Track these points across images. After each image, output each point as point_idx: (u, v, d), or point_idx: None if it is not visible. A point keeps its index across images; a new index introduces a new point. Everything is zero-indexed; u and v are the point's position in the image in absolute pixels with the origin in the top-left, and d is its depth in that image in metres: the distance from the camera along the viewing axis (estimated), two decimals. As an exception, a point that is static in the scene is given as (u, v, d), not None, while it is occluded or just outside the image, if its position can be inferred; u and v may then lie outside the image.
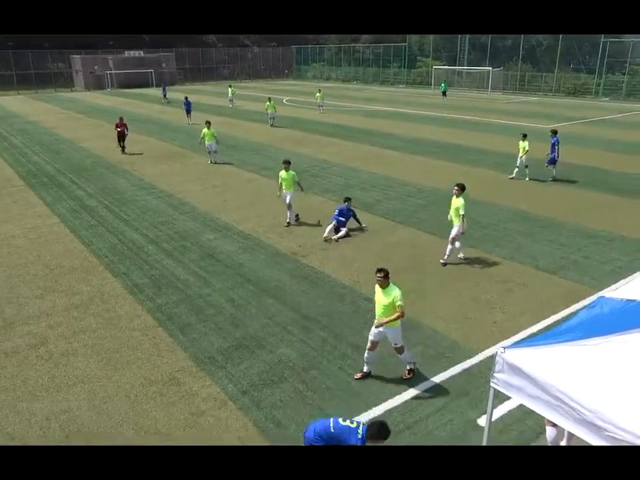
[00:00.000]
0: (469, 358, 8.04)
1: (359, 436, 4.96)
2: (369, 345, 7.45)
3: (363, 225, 13.70)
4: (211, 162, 21.72)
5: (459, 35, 65.49)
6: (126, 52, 68.13)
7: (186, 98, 33.77)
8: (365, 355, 7.52)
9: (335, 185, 18.13)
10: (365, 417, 6.73)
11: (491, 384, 4.20)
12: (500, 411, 6.67)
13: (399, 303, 7.01)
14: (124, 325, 9.13)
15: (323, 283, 10.69)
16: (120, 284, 10.71)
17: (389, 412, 6.87)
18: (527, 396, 3.86)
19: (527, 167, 18.30)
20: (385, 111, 39.48)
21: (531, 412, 4.24)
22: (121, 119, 24.80)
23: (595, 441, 3.41)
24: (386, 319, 7.06)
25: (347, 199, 13.67)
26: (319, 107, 38.25)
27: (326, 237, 12.97)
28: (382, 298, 7.21)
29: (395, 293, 7.08)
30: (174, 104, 44.08)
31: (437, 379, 7.55)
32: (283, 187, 13.95)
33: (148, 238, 13.28)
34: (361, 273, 11.10)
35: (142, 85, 66.14)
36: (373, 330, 7.35)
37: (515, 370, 3.93)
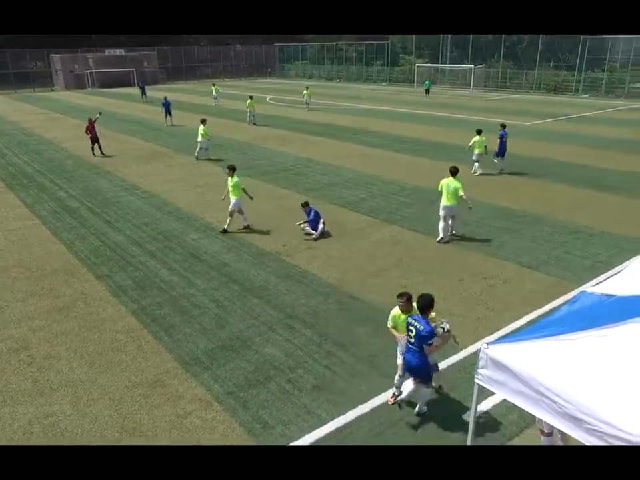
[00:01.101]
0: (454, 354, 8.09)
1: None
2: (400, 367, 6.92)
3: (319, 233, 13.01)
4: (197, 158, 21.80)
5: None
6: (106, 50, 67.40)
7: (165, 98, 32.74)
8: (396, 379, 6.99)
9: (318, 184, 18.13)
10: (352, 415, 6.76)
11: (475, 380, 4.24)
12: (484, 406, 6.74)
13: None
14: (107, 328, 9.04)
15: (308, 281, 10.69)
16: (103, 286, 10.59)
17: (376, 409, 6.90)
18: (510, 391, 3.91)
19: (477, 162, 18.83)
20: (369, 109, 39.58)
21: (515, 407, 4.29)
22: (90, 120, 23.13)
23: (575, 433, 3.47)
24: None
25: (305, 204, 13.39)
26: (305, 104, 38.23)
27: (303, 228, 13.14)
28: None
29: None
30: (155, 103, 43.72)
31: (423, 375, 7.58)
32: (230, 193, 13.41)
33: (131, 239, 13.16)
34: (346, 271, 11.12)
35: (123, 84, 65.41)
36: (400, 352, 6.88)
37: (498, 365, 3.97)
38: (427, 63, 64.50)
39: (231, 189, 13.40)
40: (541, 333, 4.28)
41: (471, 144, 18.84)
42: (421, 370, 6.40)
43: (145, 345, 8.48)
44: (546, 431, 5.40)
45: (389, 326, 7.08)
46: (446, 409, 6.91)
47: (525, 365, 3.86)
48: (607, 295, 4.64)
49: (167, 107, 31.62)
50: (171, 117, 31.91)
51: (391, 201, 16.09)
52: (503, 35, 58.17)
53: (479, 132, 18.65)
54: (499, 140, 19.03)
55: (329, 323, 9.07)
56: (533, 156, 22.02)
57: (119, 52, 68.15)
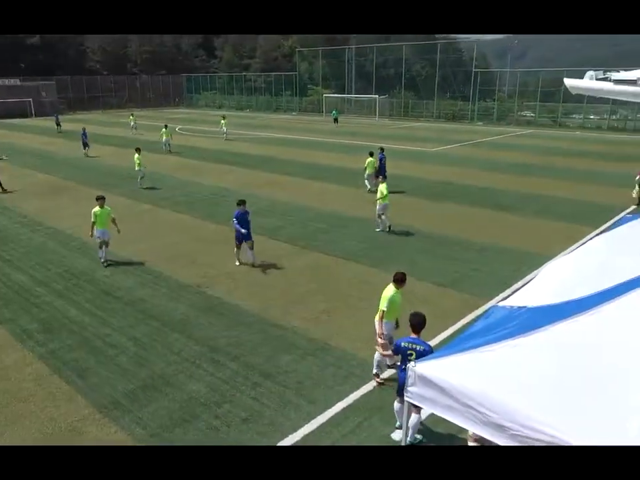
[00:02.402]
0: (384, 374, 8.26)
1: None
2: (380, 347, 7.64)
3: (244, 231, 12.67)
4: (142, 186, 22.02)
5: (346, 64, 68.68)
6: (0, 80, 63.32)
7: (83, 129, 32.07)
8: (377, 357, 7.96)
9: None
10: (283, 444, 6.67)
11: (405, 398, 4.36)
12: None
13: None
14: (12, 376, 8.32)
15: (229, 312, 10.51)
16: (5, 331, 9.77)
17: (306, 437, 6.86)
18: (439, 405, 4.06)
19: (367, 179, 20.88)
20: (281, 138, 40.12)
21: (440, 420, 4.46)
22: None
23: (502, 441, 3.66)
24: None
25: (241, 202, 12.77)
26: (224, 134, 38.48)
27: (239, 261, 12.95)
28: (398, 298, 7.94)
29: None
30: (65, 135, 41.76)
31: (351, 398, 7.68)
32: (96, 225, 12.83)
33: (35, 279, 12.28)
34: (269, 299, 11.07)
35: (19, 115, 61.63)
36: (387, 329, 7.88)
37: (426, 382, 4.12)
38: (334, 93, 66.67)
39: (99, 220, 12.78)
40: (461, 348, 4.49)
41: (365, 165, 20.76)
42: None
43: (57, 391, 7.89)
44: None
45: (383, 309, 7.82)
46: (375, 430, 7.01)
47: (450, 379, 4.04)
48: (517, 307, 4.99)
49: (85, 138, 31.17)
50: (88, 147, 31.30)
51: (308, 227, 16.31)
52: (403, 66, 61.82)
53: (370, 154, 20.78)
54: (379, 162, 20.88)
55: (253, 353, 8.94)
56: (438, 180, 23.33)
57: (14, 81, 64.30)
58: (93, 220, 12.79)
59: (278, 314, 10.41)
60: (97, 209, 12.85)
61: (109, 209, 13.08)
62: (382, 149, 21.45)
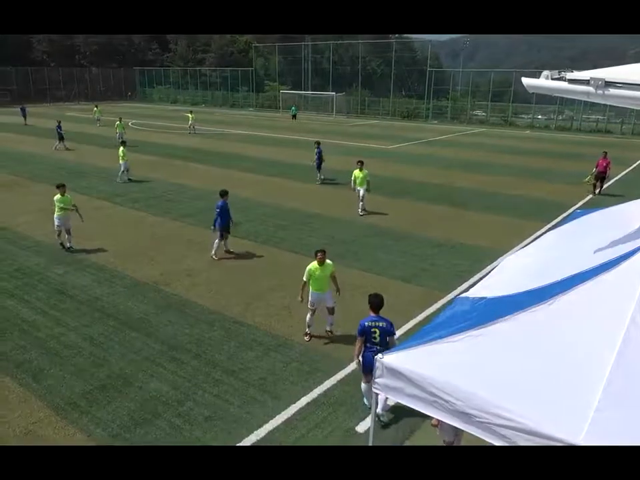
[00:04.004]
0: (342, 369, 8.34)
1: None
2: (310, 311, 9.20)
3: (234, 221, 13.61)
4: (122, 180, 21.97)
5: (303, 61, 68.65)
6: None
7: (58, 122, 30.96)
8: (308, 319, 9.22)
9: (194, 209, 17.74)
10: (248, 442, 6.65)
11: (373, 389, 4.43)
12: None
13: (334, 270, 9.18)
14: (-40, 380, 7.94)
15: (189, 310, 10.36)
16: (-49, 333, 9.30)
17: (271, 433, 6.86)
18: (406, 396, 4.15)
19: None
20: (238, 134, 39.73)
21: (405, 410, 4.57)
22: None
23: (468, 427, 3.79)
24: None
25: (224, 192, 13.41)
26: (192, 128, 38.54)
27: (215, 254, 13.05)
28: (321, 273, 9.00)
29: (331, 263, 9.19)
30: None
31: (315, 393, 7.72)
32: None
33: (-18, 278, 11.75)
34: (229, 296, 10.98)
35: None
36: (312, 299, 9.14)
37: (394, 373, 4.21)
38: (290, 89, 66.53)
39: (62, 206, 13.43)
40: (426, 339, 4.60)
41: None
42: None
43: (10, 394, 7.58)
44: (446, 440, 5.72)
45: (304, 279, 9.02)
46: (340, 423, 7.08)
47: (417, 369, 4.13)
48: (478, 298, 5.15)
49: (60, 132, 30.36)
50: (63, 141, 30.55)
51: (267, 223, 16.25)
52: (360, 65, 62.34)
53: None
54: (316, 155, 22.01)
55: (215, 351, 8.86)
56: (394, 177, 23.67)
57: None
58: (59, 206, 13.36)
59: (239, 310, 10.34)
60: (57, 196, 13.36)
61: (69, 196, 13.61)
62: (318, 143, 22.44)
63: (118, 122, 31.74)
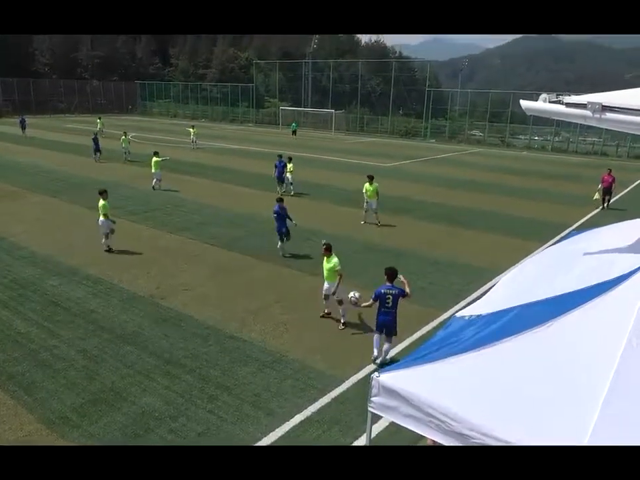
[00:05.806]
0: (337, 387, 8.28)
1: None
2: (324, 296, 10.57)
3: (294, 223, 14.54)
4: (155, 188, 22.95)
5: (303, 78, 69.33)
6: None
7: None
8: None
9: (190, 222, 17.74)
10: (241, 459, 6.56)
11: (369, 408, 4.39)
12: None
13: (337, 268, 10.11)
14: (-49, 391, 7.85)
15: (185, 324, 10.29)
16: (-57, 343, 9.22)
17: (264, 450, 6.77)
18: (401, 415, 4.11)
19: (291, 184, 23.04)
20: (238, 149, 39.92)
21: (399, 430, 4.51)
22: None
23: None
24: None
25: (280, 199, 14.72)
26: (193, 142, 38.84)
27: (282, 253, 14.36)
28: (326, 265, 10.21)
29: (335, 260, 10.14)
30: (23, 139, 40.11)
31: (309, 410, 7.64)
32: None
33: (-23, 288, 11.68)
34: (226, 310, 10.92)
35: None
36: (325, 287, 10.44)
37: (389, 392, 4.17)
38: (290, 106, 67.05)
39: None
40: (423, 358, 4.58)
41: (289, 169, 22.91)
42: (393, 326, 8.91)
43: (1, 407, 7.49)
44: None
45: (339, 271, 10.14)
46: (334, 442, 7.00)
47: (413, 389, 4.10)
48: (475, 317, 5.14)
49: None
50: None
51: (267, 238, 16.21)
52: (359, 83, 62.98)
53: (289, 159, 23.14)
54: (279, 168, 22.84)
55: (210, 366, 8.79)
56: (393, 194, 23.70)
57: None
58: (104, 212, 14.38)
59: (235, 326, 10.28)
60: (102, 202, 14.37)
61: (102, 202, 14.47)
62: (280, 156, 23.33)
63: (123, 137, 31.82)
